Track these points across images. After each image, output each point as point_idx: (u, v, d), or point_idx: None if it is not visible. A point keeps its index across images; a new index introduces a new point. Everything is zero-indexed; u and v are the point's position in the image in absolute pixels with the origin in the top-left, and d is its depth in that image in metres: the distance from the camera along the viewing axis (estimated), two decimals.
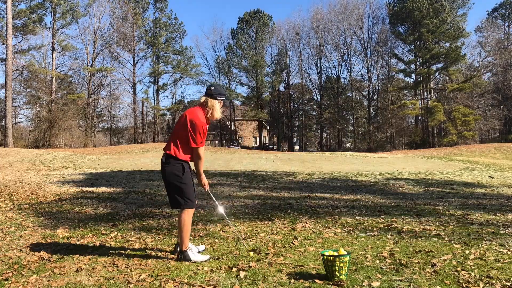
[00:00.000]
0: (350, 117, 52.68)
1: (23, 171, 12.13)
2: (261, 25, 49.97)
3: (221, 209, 3.79)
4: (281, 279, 2.92)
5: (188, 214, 3.40)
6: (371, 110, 49.43)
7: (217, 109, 3.44)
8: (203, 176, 3.54)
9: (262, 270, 3.11)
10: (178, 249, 3.48)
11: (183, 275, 3.02)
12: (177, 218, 3.43)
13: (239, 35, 50.04)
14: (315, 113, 53.55)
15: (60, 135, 36.14)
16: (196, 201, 3.52)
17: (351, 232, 4.48)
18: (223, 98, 3.48)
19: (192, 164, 3.53)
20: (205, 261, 3.38)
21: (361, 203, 6.84)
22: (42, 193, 7.76)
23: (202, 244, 3.88)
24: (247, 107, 51.69)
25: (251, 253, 3.58)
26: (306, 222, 5.03)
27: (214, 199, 3.90)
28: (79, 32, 51.73)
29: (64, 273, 3.11)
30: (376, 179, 10.81)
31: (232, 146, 45.13)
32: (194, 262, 3.33)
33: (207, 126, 3.46)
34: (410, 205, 6.59)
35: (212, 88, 3.47)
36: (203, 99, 3.46)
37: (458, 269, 3.11)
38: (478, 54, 49.43)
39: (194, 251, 3.46)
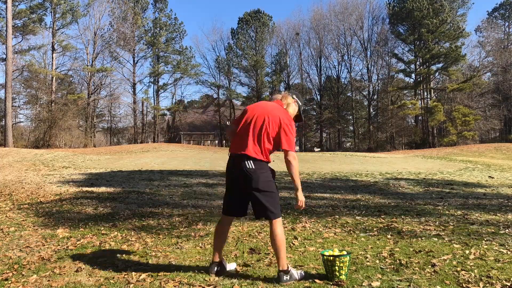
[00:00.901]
0: (350, 117, 52.66)
1: (23, 171, 12.13)
2: (261, 25, 49.95)
3: None
4: None
5: (281, 225, 2.96)
6: (371, 110, 49.43)
7: (291, 105, 3.12)
8: (301, 190, 3.01)
9: (262, 270, 3.11)
10: (225, 266, 3.00)
11: (183, 275, 3.02)
12: (270, 233, 2.93)
13: (239, 35, 50.03)
14: (315, 113, 53.53)
15: (60, 135, 36.14)
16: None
17: (351, 232, 4.48)
18: (298, 101, 3.18)
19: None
20: (301, 277, 2.88)
21: (361, 203, 6.84)
22: (42, 193, 7.76)
23: (232, 262, 3.30)
24: None
25: (253, 257, 3.57)
26: (306, 222, 5.03)
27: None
28: (79, 32, 51.81)
29: (64, 273, 3.11)
30: (376, 179, 10.81)
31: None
32: (298, 279, 2.84)
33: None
34: (410, 205, 6.59)
35: (291, 90, 3.23)
36: (279, 96, 3.17)
37: (458, 269, 3.11)
38: (478, 54, 49.49)
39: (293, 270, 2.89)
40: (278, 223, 2.94)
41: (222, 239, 3.08)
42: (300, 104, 3.20)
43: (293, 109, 3.14)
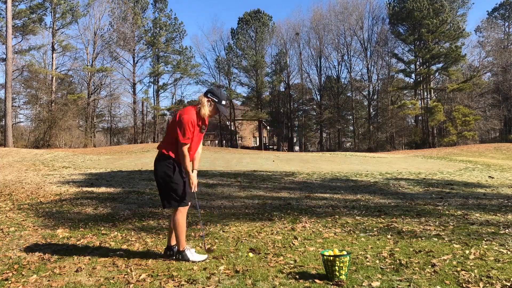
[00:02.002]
0: (350, 117, 52.66)
1: (23, 171, 12.13)
2: (261, 25, 49.93)
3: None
4: (281, 279, 2.92)
5: (181, 214, 3.38)
6: (371, 110, 49.43)
7: (204, 106, 3.42)
8: (192, 175, 3.43)
9: (262, 270, 3.12)
10: (174, 250, 3.45)
11: (183, 275, 3.02)
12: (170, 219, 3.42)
13: (239, 35, 50.01)
14: (315, 113, 53.52)
15: (60, 135, 36.13)
16: (190, 200, 3.49)
17: (351, 232, 4.48)
18: (213, 98, 3.44)
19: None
20: (203, 260, 3.37)
21: (361, 203, 6.84)
22: (42, 193, 7.76)
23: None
24: (247, 107, 51.66)
25: (250, 254, 3.57)
26: (306, 222, 5.03)
27: (196, 202, 3.73)
28: (79, 32, 51.66)
29: (64, 273, 3.11)
30: (376, 179, 10.81)
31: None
32: (193, 261, 3.33)
33: (200, 123, 3.42)
34: (410, 205, 6.59)
35: (208, 88, 3.57)
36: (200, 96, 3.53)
37: (458, 269, 3.11)
38: (478, 54, 49.48)
39: (192, 251, 3.45)
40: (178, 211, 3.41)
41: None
42: (216, 100, 3.44)
43: (206, 109, 3.44)
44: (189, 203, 3.50)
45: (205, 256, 3.44)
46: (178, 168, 3.38)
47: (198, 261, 3.35)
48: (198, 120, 3.39)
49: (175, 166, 3.37)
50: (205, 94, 3.46)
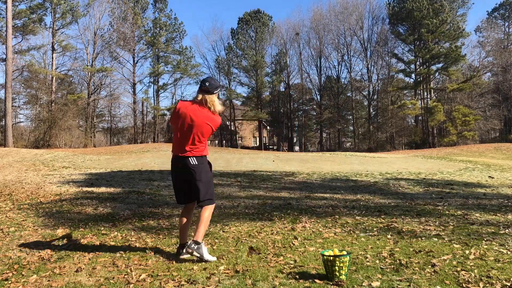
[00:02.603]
0: (350, 117, 52.66)
1: (23, 171, 12.13)
2: (261, 25, 49.91)
3: None
4: (281, 279, 2.92)
5: (212, 210, 3.55)
6: (371, 110, 49.42)
7: (217, 104, 3.45)
8: None
9: (262, 270, 3.11)
10: (189, 243, 3.35)
11: (183, 275, 3.02)
12: (201, 213, 3.47)
13: (239, 35, 50.00)
14: (315, 113, 53.50)
15: (60, 135, 36.11)
16: None
17: (351, 232, 4.48)
18: (218, 90, 3.49)
19: None
20: (213, 261, 3.34)
21: (361, 203, 6.84)
22: (42, 193, 7.76)
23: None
24: (247, 107, 51.64)
25: (253, 254, 3.57)
26: (306, 222, 5.02)
27: None
28: (79, 32, 51.64)
29: (64, 273, 3.11)
30: (376, 179, 10.81)
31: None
32: (207, 260, 3.30)
33: None
34: (410, 205, 6.59)
35: (207, 84, 3.42)
36: (200, 97, 3.42)
37: (458, 269, 3.11)
38: (478, 54, 49.47)
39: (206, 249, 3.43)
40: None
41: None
42: (219, 90, 3.51)
43: (219, 105, 3.49)
44: None
45: (215, 258, 3.41)
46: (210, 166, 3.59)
47: (211, 260, 3.32)
48: None
49: (210, 164, 3.58)
50: (211, 92, 3.43)
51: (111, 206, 6.32)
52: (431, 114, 41.16)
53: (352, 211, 5.96)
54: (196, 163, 3.41)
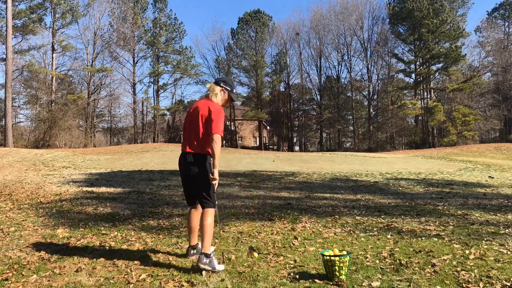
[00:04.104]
0: (350, 117, 52.64)
1: (23, 171, 12.13)
2: (261, 25, 49.90)
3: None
4: (281, 279, 2.92)
5: (213, 215, 3.31)
6: (371, 110, 49.42)
7: (217, 95, 3.39)
8: (217, 169, 3.28)
9: (262, 270, 3.11)
10: (198, 249, 3.34)
11: (183, 275, 3.02)
12: (202, 221, 3.25)
13: (239, 35, 49.99)
14: (315, 113, 53.50)
15: (60, 135, 36.11)
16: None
17: (351, 232, 4.48)
18: (225, 86, 3.43)
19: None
20: (222, 270, 3.14)
21: (361, 203, 6.84)
22: (42, 193, 7.76)
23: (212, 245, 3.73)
24: (247, 107, 51.65)
25: (255, 254, 3.57)
26: (306, 222, 5.02)
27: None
28: (79, 32, 51.80)
29: (64, 273, 3.11)
30: (376, 179, 10.81)
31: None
32: (218, 271, 3.08)
33: None
34: (410, 205, 6.59)
35: (219, 77, 3.49)
36: (208, 85, 3.48)
37: (458, 269, 3.11)
38: (478, 54, 49.49)
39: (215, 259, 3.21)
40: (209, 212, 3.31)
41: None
42: (229, 88, 3.48)
43: (220, 98, 3.43)
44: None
45: (223, 266, 3.20)
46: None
47: (221, 270, 3.11)
48: None
49: (212, 163, 3.26)
50: (217, 83, 3.42)
51: (111, 206, 6.32)
52: (431, 114, 41.15)
53: (352, 211, 5.96)
54: (193, 160, 3.26)
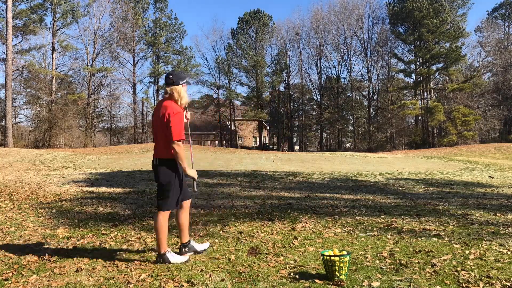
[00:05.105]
0: (350, 117, 52.67)
1: (23, 171, 12.13)
2: (261, 25, 49.93)
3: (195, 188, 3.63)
4: (281, 279, 2.92)
5: (165, 217, 3.35)
6: (371, 110, 49.44)
7: (184, 95, 3.38)
8: (189, 168, 3.37)
9: (262, 270, 3.12)
10: (188, 246, 3.54)
11: (183, 275, 3.02)
12: (153, 220, 3.45)
13: (239, 35, 50.01)
14: (315, 113, 53.53)
15: (60, 135, 36.10)
16: (187, 198, 3.54)
17: (351, 232, 4.48)
18: (185, 81, 3.40)
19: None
20: (186, 261, 3.34)
21: (361, 203, 6.84)
22: (42, 193, 7.76)
23: (206, 242, 3.91)
24: (247, 107, 51.67)
25: (253, 254, 3.57)
26: (306, 222, 5.02)
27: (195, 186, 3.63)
28: (79, 32, 51.63)
29: (64, 273, 3.11)
30: (376, 179, 10.81)
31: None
32: (173, 262, 3.30)
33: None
34: (410, 205, 6.59)
35: (171, 76, 3.35)
36: (168, 89, 3.36)
37: (458, 269, 3.11)
38: (478, 54, 49.54)
39: (173, 254, 3.40)
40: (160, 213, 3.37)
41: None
42: (186, 80, 3.43)
43: (186, 97, 3.42)
44: (189, 202, 3.57)
45: (187, 258, 3.42)
46: (181, 171, 3.39)
47: (179, 263, 3.31)
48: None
49: (178, 168, 3.37)
50: (177, 83, 3.33)
51: (111, 206, 6.32)
52: (431, 114, 41.16)
53: (352, 211, 5.96)
54: (158, 163, 3.35)
